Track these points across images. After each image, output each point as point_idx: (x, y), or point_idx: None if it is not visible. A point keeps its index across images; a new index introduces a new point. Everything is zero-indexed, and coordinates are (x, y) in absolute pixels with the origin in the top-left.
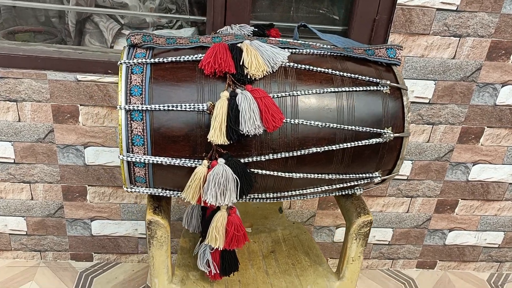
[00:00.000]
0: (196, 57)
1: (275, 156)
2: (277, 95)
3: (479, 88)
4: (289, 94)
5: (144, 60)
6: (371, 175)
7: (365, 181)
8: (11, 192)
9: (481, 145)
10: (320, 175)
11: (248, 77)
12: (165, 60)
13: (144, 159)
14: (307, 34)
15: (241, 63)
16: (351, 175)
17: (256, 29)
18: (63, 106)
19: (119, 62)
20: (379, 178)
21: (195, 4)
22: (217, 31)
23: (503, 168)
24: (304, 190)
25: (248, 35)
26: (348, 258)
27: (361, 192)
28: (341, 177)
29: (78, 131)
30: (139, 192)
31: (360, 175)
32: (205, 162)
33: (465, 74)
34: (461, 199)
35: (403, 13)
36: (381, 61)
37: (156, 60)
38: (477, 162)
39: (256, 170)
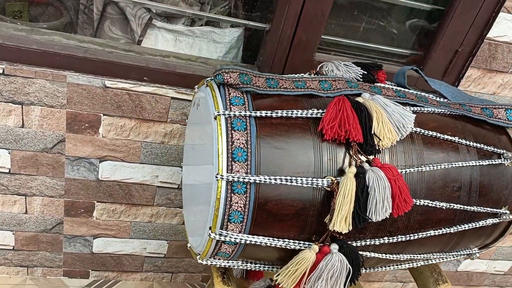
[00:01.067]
0: (311, 114)
1: (390, 240)
2: (405, 171)
3: None
4: (417, 169)
5: (245, 112)
6: (470, 251)
7: (462, 257)
8: (0, 204)
9: None
10: (425, 255)
11: (376, 147)
12: (273, 114)
13: (239, 239)
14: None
15: (372, 132)
16: (453, 253)
17: (365, 72)
18: (81, 114)
19: (215, 112)
20: (477, 255)
21: (241, 3)
22: (320, 69)
23: None
24: (398, 266)
25: (358, 80)
26: None
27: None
28: (443, 255)
29: (96, 143)
30: (214, 264)
31: (461, 252)
32: (315, 247)
33: None
34: None
35: (489, 47)
36: (500, 124)
37: (263, 113)
38: None
39: (365, 253)
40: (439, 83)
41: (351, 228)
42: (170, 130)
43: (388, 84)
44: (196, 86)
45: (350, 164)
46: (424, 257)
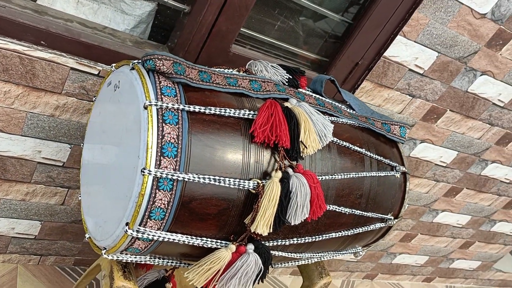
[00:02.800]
0: (243, 114)
1: (298, 241)
2: (321, 178)
3: None
4: (331, 177)
5: (179, 104)
6: (356, 250)
7: (347, 254)
8: (40, 195)
9: None
10: (321, 253)
11: (300, 154)
12: (206, 110)
13: (157, 237)
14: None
15: (299, 139)
16: (342, 252)
17: (291, 77)
18: None
19: (146, 101)
20: (361, 253)
21: None
22: (248, 67)
23: None
24: (295, 263)
25: (284, 84)
26: None
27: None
28: (335, 254)
29: None
30: (121, 259)
31: (349, 251)
32: (232, 246)
33: None
34: None
35: (383, 64)
36: (394, 139)
37: (196, 108)
38: None
39: (274, 252)
40: (349, 95)
41: (271, 230)
42: (63, 103)
43: (308, 91)
44: (113, 65)
45: (276, 169)
46: (320, 255)
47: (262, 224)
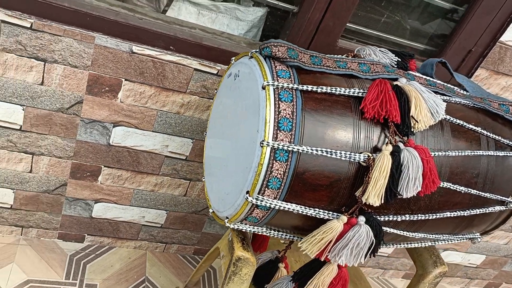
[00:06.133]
0: (353, 92)
1: (411, 218)
2: (434, 154)
3: None
4: (444, 153)
5: (293, 84)
6: (473, 236)
7: (464, 240)
8: (5, 161)
9: None
10: (436, 235)
11: (411, 129)
12: (318, 89)
13: (274, 205)
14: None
15: (410, 114)
16: (458, 235)
17: (399, 60)
18: (103, 77)
19: (264, 82)
20: (479, 240)
21: None
22: (357, 52)
23: None
24: (408, 245)
25: (393, 66)
26: None
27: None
28: (450, 237)
29: (113, 107)
30: (240, 229)
31: (465, 236)
32: (344, 217)
33: None
34: None
35: (500, 50)
36: None
37: (309, 87)
38: None
39: (385, 229)
40: (462, 77)
41: (382, 202)
42: (187, 101)
43: (418, 74)
44: (233, 58)
45: (387, 143)
46: (434, 237)
47: (373, 195)
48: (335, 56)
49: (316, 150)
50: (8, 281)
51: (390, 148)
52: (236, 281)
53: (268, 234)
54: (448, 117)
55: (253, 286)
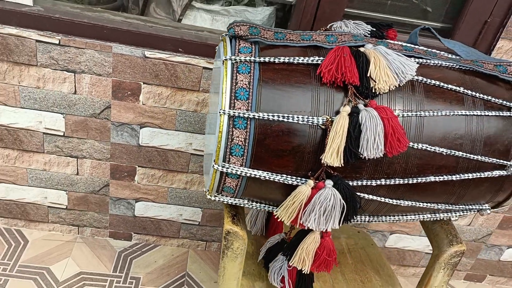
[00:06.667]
0: (312, 60)
1: (387, 182)
2: (402, 114)
3: None
4: (416, 114)
5: (251, 57)
6: (480, 207)
7: (472, 212)
8: (56, 165)
9: None
10: (429, 204)
11: (373, 91)
12: (276, 60)
13: (241, 172)
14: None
15: (368, 75)
16: (460, 206)
17: (374, 29)
18: (124, 82)
19: (223, 58)
20: (488, 211)
21: None
22: (328, 27)
23: None
24: (404, 217)
25: (365, 36)
26: (430, 287)
27: (457, 218)
28: (450, 207)
29: (137, 110)
30: (223, 201)
31: (470, 206)
32: (311, 182)
33: None
34: None
35: None
36: None
37: (266, 59)
38: None
39: (362, 195)
40: (453, 42)
41: (342, 162)
42: (202, 98)
43: (397, 42)
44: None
45: (345, 104)
46: (428, 206)
47: (331, 154)
48: (304, 31)
49: (273, 116)
50: (64, 272)
51: (348, 109)
52: (230, 255)
53: (250, 206)
54: (421, 78)
55: (264, 268)
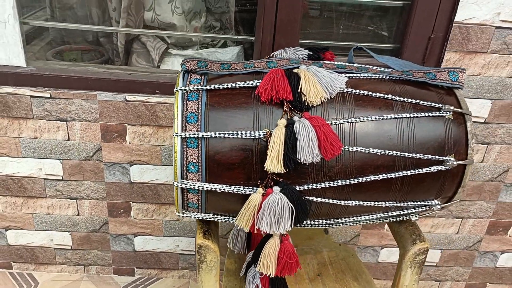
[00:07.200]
0: (252, 83)
1: (331, 184)
2: (335, 122)
3: None
4: (347, 120)
5: (199, 86)
6: (430, 202)
7: (423, 209)
8: (58, 208)
9: None
10: (377, 202)
11: (306, 104)
12: (220, 86)
13: (198, 186)
14: (362, 54)
15: (299, 90)
16: (409, 203)
17: (311, 53)
18: (111, 125)
19: (175, 89)
20: (438, 206)
21: (240, 22)
22: (271, 55)
23: None
24: (359, 217)
25: (303, 59)
26: (401, 286)
27: (417, 218)
28: (398, 205)
29: (125, 149)
30: (190, 217)
31: (419, 203)
32: (260, 189)
33: None
34: None
35: (460, 31)
36: (443, 85)
37: (212, 86)
38: None
39: (311, 198)
40: (387, 58)
41: (282, 168)
42: None
43: (332, 62)
44: None
45: (281, 118)
46: (377, 205)
47: (271, 161)
48: (248, 61)
49: (219, 134)
50: None
51: (284, 121)
52: (204, 268)
53: (217, 220)
54: (350, 89)
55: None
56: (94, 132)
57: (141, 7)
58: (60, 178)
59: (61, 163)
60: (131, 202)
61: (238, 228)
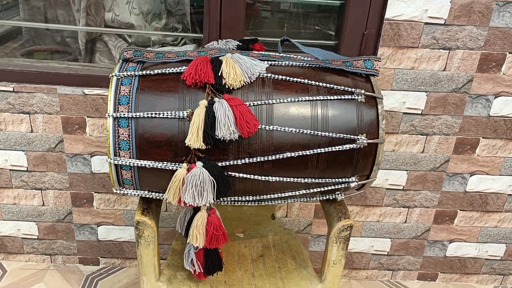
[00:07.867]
0: (180, 70)
1: (251, 160)
2: (253, 103)
3: (472, 100)
4: (265, 102)
5: (133, 72)
6: (347, 179)
7: (343, 186)
8: (24, 198)
9: (477, 155)
10: (296, 179)
11: (226, 87)
12: (151, 72)
13: (130, 162)
14: (293, 48)
15: (219, 74)
16: (327, 180)
17: (241, 44)
18: (71, 118)
19: (110, 75)
20: (355, 183)
21: (197, 23)
22: (204, 46)
23: (501, 179)
24: (282, 194)
25: (233, 49)
26: (329, 261)
27: (342, 197)
28: (317, 181)
29: (86, 141)
30: (127, 194)
31: (337, 180)
32: (184, 165)
33: (457, 86)
34: (460, 210)
35: (391, 27)
36: (358, 72)
37: (144, 72)
38: (474, 172)
39: (233, 173)
40: (312, 49)
41: (202, 143)
42: None
43: (259, 52)
44: None
45: (203, 99)
46: (297, 181)
47: (192, 138)
48: (182, 50)
49: (148, 114)
50: None
51: (204, 102)
52: (143, 243)
53: (151, 196)
54: (270, 75)
55: None
56: (55, 125)
57: (101, 7)
58: (25, 169)
59: (25, 154)
60: (93, 192)
61: (167, 201)
